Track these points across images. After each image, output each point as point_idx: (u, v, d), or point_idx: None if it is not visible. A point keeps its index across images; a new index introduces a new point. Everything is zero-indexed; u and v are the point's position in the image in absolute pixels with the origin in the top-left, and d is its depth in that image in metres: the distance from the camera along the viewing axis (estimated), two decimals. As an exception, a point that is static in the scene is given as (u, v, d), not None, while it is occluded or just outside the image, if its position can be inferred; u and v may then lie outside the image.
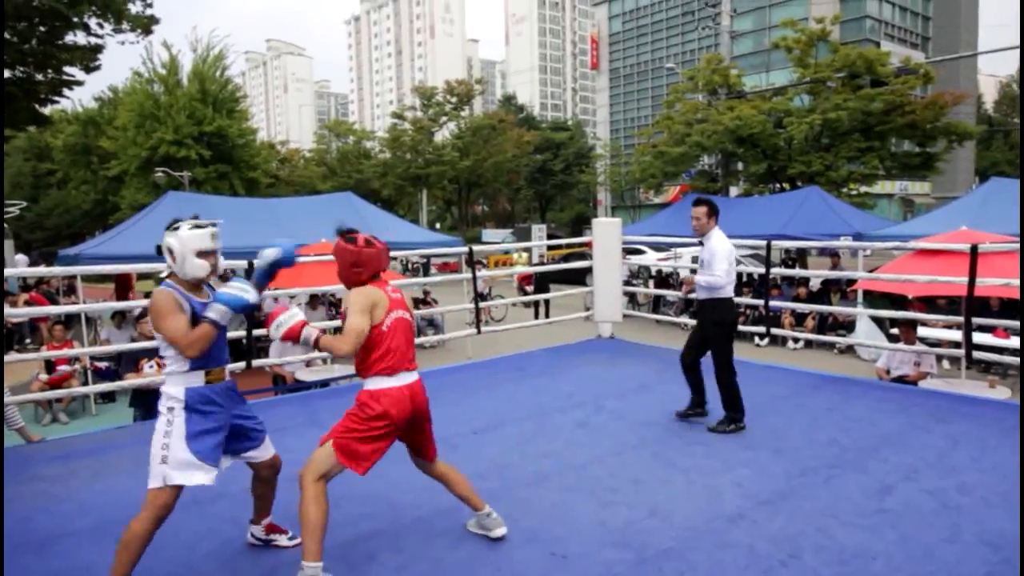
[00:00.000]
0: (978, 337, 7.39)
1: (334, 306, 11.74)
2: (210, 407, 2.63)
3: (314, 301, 10.44)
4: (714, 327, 4.48)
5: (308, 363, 7.41)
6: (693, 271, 4.79)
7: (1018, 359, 5.51)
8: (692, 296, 4.68)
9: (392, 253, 8.73)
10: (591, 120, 74.36)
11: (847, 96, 18.17)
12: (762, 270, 6.49)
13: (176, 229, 2.69)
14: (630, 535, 2.98)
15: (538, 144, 44.12)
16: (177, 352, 2.58)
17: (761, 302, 7.57)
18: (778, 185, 20.58)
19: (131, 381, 5.15)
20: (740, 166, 22.92)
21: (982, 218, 9.83)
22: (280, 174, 37.51)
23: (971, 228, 7.44)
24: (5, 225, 27.91)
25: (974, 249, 4.92)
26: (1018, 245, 5.89)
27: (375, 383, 2.71)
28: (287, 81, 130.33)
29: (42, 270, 7.09)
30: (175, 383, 2.61)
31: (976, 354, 5.14)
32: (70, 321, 10.57)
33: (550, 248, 22.75)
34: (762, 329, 7.62)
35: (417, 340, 8.63)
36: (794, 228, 12.81)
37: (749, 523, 3.07)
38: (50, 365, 8.32)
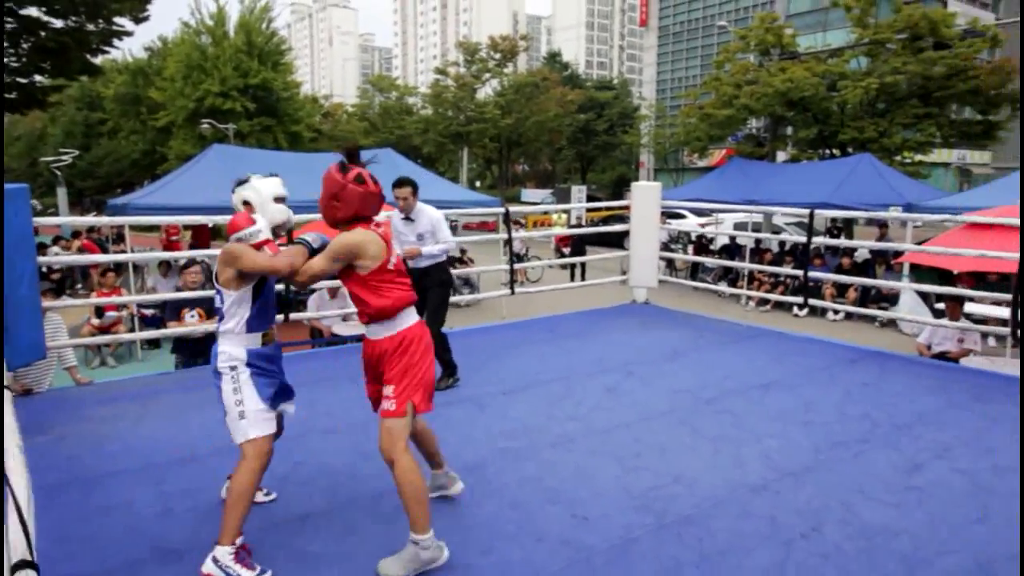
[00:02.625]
0: (1028, 316, 7.14)
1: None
2: (269, 365, 2.68)
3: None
4: (441, 288, 4.70)
5: (345, 317, 7.55)
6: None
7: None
8: (413, 266, 4.54)
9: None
10: (637, 79, 72.61)
11: (907, 59, 17.42)
12: (804, 239, 6.35)
13: (246, 181, 2.75)
14: (652, 500, 3.01)
15: (582, 103, 43.38)
16: (237, 303, 2.57)
17: (802, 272, 7.42)
18: (828, 151, 19.95)
19: (174, 329, 5.33)
20: (789, 130, 22.25)
21: (1043, 191, 9.40)
22: (323, 128, 37.75)
23: (1029, 202, 7.11)
24: (59, 173, 28.78)
25: (1029, 224, 4.71)
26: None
27: (405, 320, 2.61)
28: (332, 34, 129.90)
29: (91, 219, 7.32)
30: (234, 343, 2.60)
31: None
32: (119, 269, 10.94)
33: (589, 210, 22.55)
34: (800, 299, 7.49)
35: (452, 299, 8.74)
36: (842, 196, 12.47)
37: (773, 494, 3.07)
38: (100, 310, 8.65)
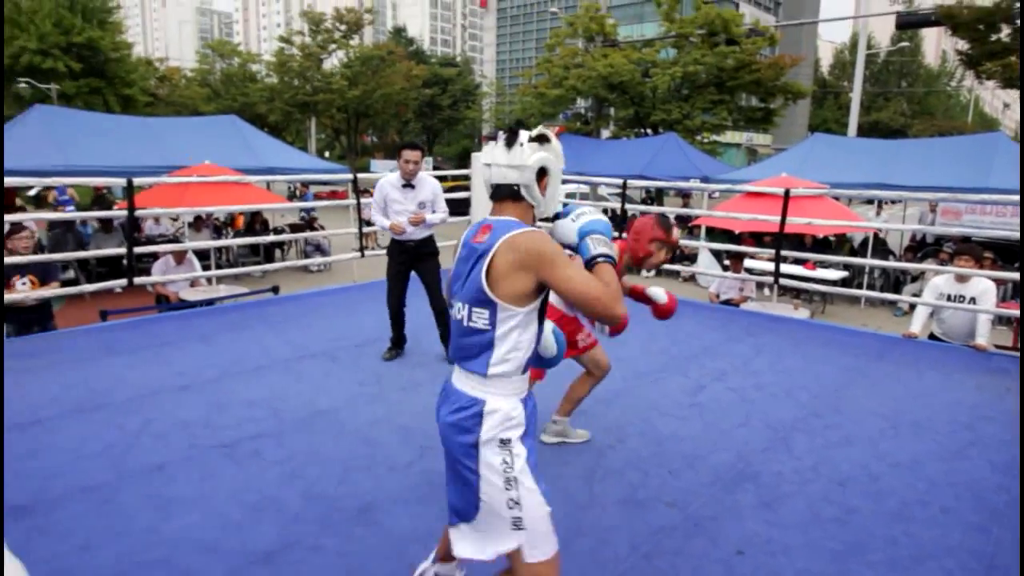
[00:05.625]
0: (788, 268, 8.27)
1: (218, 229, 11.18)
2: (532, 424, 1.67)
3: (198, 223, 9.89)
4: (434, 257, 4.44)
5: (193, 283, 7.11)
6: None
7: (818, 285, 6.27)
8: (408, 236, 4.26)
9: (280, 178, 8.26)
10: (479, 58, 72.59)
11: (705, 52, 18.96)
12: (627, 206, 6.87)
13: (546, 141, 1.64)
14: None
15: (427, 78, 42.64)
16: (522, 327, 1.57)
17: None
18: (643, 130, 21.31)
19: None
20: (611, 111, 23.46)
21: (804, 167, 10.80)
22: (159, 93, 34.15)
23: (791, 175, 8.17)
24: None
25: (786, 193, 5.46)
26: (822, 190, 6.59)
27: None
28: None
29: None
30: (506, 391, 1.58)
31: (782, 281, 5.79)
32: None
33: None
34: (618, 258, 8.07)
35: (302, 261, 8.55)
36: (653, 170, 13.47)
37: (588, 417, 3.41)
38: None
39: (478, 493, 1.56)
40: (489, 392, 1.57)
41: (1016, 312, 6.76)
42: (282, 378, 3.86)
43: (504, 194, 1.64)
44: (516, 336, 1.56)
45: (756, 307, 7.08)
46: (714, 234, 11.69)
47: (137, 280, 5.00)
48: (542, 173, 1.64)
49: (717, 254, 11.37)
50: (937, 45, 54.80)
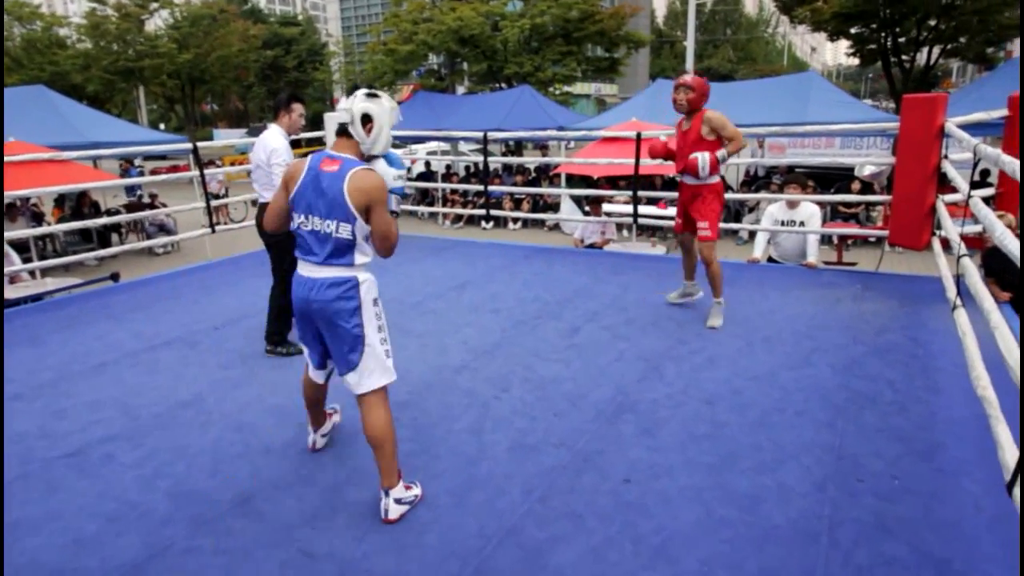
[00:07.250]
0: (643, 209, 8.64)
1: (38, 216, 9.79)
2: None
3: (12, 211, 8.59)
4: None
5: (12, 279, 6.18)
6: None
7: (671, 223, 6.56)
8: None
9: (107, 153, 7.34)
10: (321, 16, 68.34)
11: (551, 3, 19.02)
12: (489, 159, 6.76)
13: (376, 96, 2.21)
14: (371, 396, 3.08)
15: (267, 39, 39.59)
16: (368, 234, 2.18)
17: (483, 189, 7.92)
18: (497, 84, 21.20)
19: None
20: (465, 66, 23.08)
21: (651, 112, 11.22)
22: (-56, 65, 29.01)
23: (640, 120, 8.46)
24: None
25: (638, 136, 5.62)
26: (672, 131, 6.86)
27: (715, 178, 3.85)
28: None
29: None
30: (368, 269, 2.22)
31: (640, 220, 6.02)
32: None
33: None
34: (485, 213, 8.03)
35: (146, 243, 7.69)
36: (511, 123, 13.45)
37: (471, 371, 3.36)
38: None
39: (363, 342, 2.14)
40: (357, 271, 2.17)
41: (838, 230, 7.53)
42: (132, 372, 3.45)
43: (341, 132, 2.18)
44: (367, 240, 2.18)
45: (618, 248, 7.35)
46: (573, 181, 11.96)
47: (-64, 281, 4.23)
48: (367, 119, 2.15)
49: (578, 201, 11.67)
50: (754, -6, 58.86)
